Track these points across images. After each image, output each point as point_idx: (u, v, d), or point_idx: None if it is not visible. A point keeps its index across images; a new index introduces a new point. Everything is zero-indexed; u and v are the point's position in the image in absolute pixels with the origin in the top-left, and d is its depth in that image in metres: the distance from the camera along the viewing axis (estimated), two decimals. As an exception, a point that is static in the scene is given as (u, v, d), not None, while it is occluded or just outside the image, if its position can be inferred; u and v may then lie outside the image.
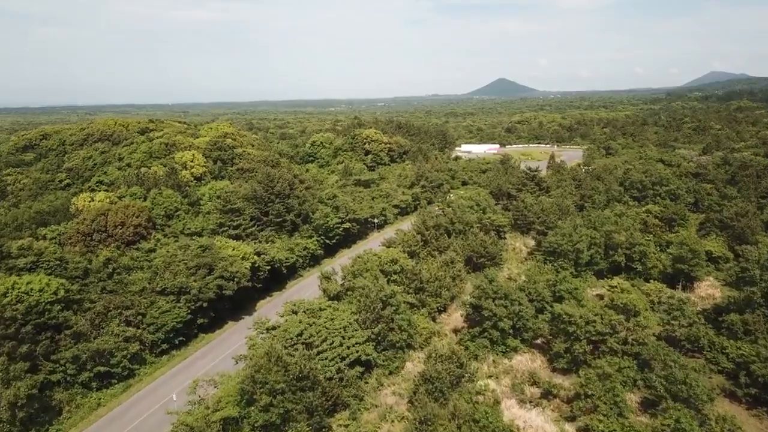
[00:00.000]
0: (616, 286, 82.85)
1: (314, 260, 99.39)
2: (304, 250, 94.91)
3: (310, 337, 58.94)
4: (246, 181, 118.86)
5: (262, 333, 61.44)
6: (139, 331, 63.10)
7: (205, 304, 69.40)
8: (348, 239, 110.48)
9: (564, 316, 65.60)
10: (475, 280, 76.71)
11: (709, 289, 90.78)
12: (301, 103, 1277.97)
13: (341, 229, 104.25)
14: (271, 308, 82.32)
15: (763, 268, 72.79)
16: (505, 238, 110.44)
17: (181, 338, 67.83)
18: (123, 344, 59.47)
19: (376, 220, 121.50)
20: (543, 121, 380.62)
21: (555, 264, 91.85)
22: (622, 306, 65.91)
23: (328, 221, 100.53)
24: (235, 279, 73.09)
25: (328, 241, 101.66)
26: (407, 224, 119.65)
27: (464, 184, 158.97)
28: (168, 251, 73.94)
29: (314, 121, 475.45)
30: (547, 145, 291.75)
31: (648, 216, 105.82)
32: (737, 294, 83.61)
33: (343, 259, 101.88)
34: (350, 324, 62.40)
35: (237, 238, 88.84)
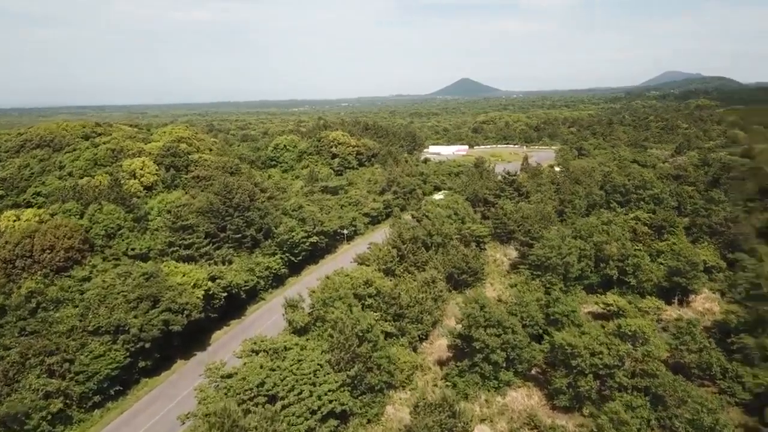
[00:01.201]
0: (612, 304, 75.68)
1: (278, 280, 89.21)
2: (266, 269, 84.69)
3: (273, 387, 49.26)
4: (202, 190, 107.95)
5: (216, 382, 51.39)
6: (65, 382, 52.22)
7: (147, 345, 58.79)
8: (315, 254, 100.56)
9: (566, 347, 57.55)
10: (461, 303, 68.14)
11: (706, 303, 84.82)
12: (267, 103, 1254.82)
13: (308, 243, 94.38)
14: (228, 340, 72.23)
15: (776, 284, 66.19)
16: (485, 250, 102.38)
17: (117, 387, 57.09)
18: (42, 402, 48.57)
19: (345, 231, 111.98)
20: (509, 120, 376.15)
21: (543, 279, 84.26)
22: (631, 334, 58.15)
23: (293, 236, 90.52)
24: (185, 312, 62.68)
25: (293, 258, 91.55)
26: (379, 234, 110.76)
27: (437, 188, 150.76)
28: (104, 281, 62.93)
29: (277, 122, 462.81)
30: (516, 146, 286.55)
31: (636, 224, 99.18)
32: (737, 308, 77.68)
33: (311, 277, 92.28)
34: (321, 367, 52.97)
35: (189, 259, 78.17)
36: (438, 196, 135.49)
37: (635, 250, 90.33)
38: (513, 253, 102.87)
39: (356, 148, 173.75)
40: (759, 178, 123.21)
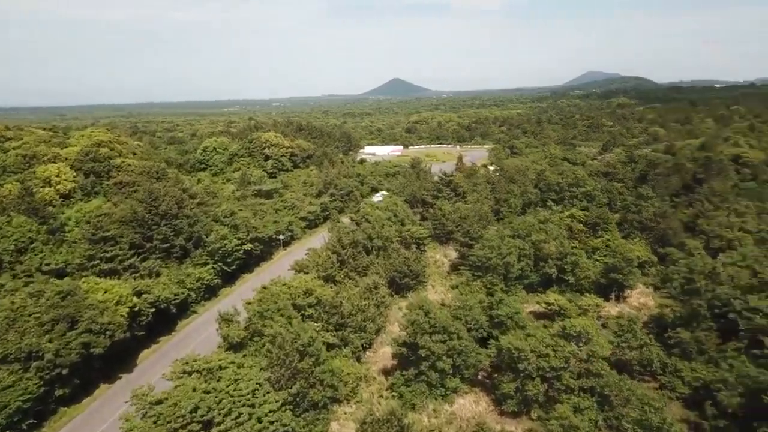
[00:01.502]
0: (553, 303, 75.87)
1: (210, 292, 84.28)
2: (197, 281, 79.70)
3: (208, 412, 45.39)
4: (126, 197, 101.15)
5: (143, 409, 46.90)
6: (-32, 420, 46.39)
7: (65, 371, 53.37)
8: (250, 262, 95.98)
9: (513, 351, 56.58)
10: (405, 309, 66.13)
11: (641, 298, 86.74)
12: (194, 104, 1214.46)
13: (242, 251, 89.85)
14: (158, 359, 67.18)
15: (708, 279, 67.91)
16: (425, 251, 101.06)
17: (31, 420, 51.34)
18: (-61, 446, 42.80)
19: (281, 237, 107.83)
20: (441, 120, 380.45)
21: (484, 279, 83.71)
22: (576, 334, 57.88)
23: (225, 244, 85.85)
24: (108, 332, 57.46)
25: (226, 268, 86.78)
26: (318, 239, 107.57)
27: (374, 189, 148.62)
28: (13, 302, 56.66)
29: (206, 123, 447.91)
30: (449, 145, 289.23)
31: (572, 221, 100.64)
32: (671, 302, 79.84)
33: (246, 286, 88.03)
34: (260, 386, 49.50)
35: (112, 273, 72.39)
36: (377, 197, 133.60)
37: (572, 247, 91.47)
38: (453, 254, 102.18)
39: (290, 150, 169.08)
40: (682, 174, 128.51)
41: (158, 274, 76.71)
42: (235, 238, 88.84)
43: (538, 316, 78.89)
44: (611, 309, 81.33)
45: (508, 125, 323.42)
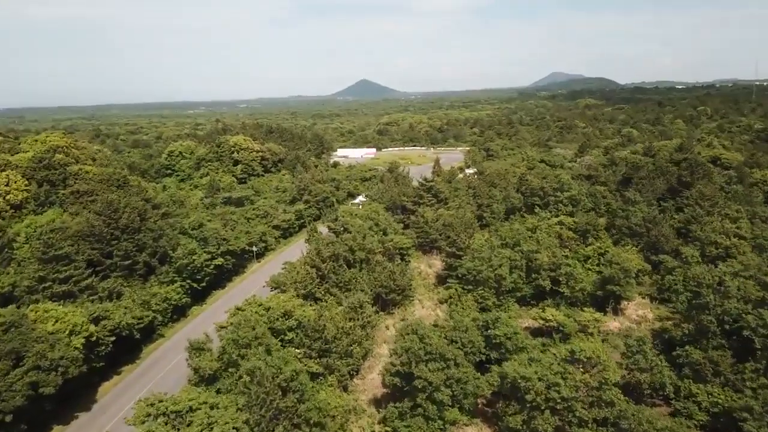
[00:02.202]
0: (551, 319, 70.99)
1: (179, 312, 77.07)
2: (164, 301, 72.39)
3: (178, 468, 38.88)
4: (84, 208, 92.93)
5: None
6: None
7: (9, 417, 45.96)
8: (221, 277, 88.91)
9: (519, 381, 51.21)
10: (392, 327, 60.41)
11: (639, 309, 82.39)
12: (157, 105, 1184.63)
13: (212, 266, 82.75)
14: (120, 393, 60.03)
15: (716, 293, 63.72)
16: (409, 262, 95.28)
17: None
18: None
19: (255, 248, 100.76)
20: (412, 122, 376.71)
21: (475, 293, 78.50)
22: (586, 360, 52.84)
23: (194, 259, 78.65)
24: (60, 368, 50.12)
25: (195, 285, 79.62)
26: (294, 249, 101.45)
27: (350, 195, 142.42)
28: (-54, 337, 48.96)
29: (171, 125, 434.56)
30: (423, 148, 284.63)
31: (561, 228, 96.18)
32: (674, 315, 75.71)
33: (218, 304, 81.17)
34: (237, 430, 43.17)
35: (68, 295, 64.62)
36: (358, 199, 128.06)
37: (564, 256, 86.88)
38: (437, 264, 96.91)
39: (260, 154, 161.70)
40: (666, 177, 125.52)
41: (119, 295, 69.22)
42: (204, 252, 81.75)
43: (533, 332, 73.89)
44: (609, 323, 76.92)
45: (479, 127, 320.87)
